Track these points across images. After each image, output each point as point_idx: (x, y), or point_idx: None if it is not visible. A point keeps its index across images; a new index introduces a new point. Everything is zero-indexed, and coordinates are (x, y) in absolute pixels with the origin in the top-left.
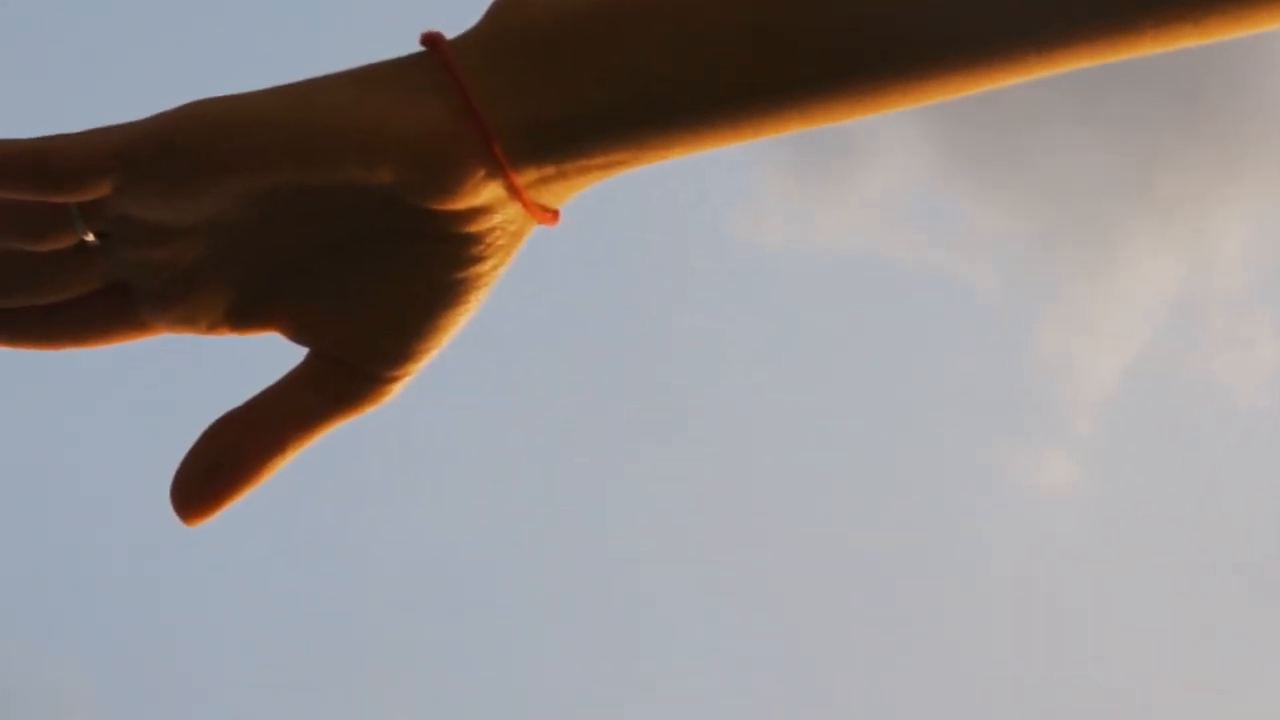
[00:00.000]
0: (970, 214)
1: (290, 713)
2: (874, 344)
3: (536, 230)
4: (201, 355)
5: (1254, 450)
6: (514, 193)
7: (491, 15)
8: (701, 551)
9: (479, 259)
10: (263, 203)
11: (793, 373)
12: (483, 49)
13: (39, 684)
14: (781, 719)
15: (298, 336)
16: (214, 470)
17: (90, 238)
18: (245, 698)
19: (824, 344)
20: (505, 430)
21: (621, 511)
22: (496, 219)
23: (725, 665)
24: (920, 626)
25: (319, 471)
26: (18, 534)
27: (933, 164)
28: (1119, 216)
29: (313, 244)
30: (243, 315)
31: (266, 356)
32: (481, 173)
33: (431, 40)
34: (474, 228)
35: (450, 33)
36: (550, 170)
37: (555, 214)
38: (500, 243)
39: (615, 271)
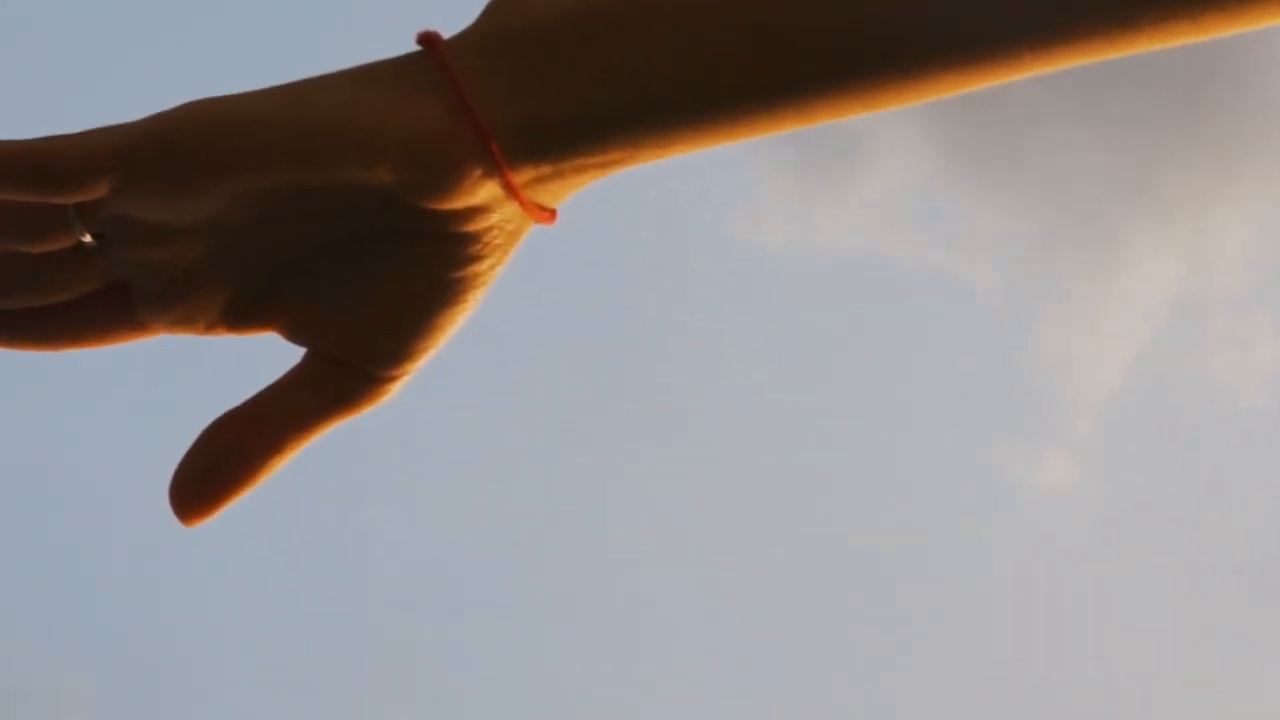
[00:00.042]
0: (971, 214)
1: (290, 713)
2: (874, 344)
3: (536, 229)
4: (200, 355)
5: (1254, 450)
6: (511, 192)
7: (489, 14)
8: (701, 551)
9: (477, 258)
10: (261, 203)
11: (793, 373)
12: (480, 48)
13: (39, 684)
14: (782, 719)
15: (296, 336)
16: (213, 470)
17: (88, 238)
18: (245, 698)
19: (824, 344)
20: (505, 430)
21: (621, 511)
22: (494, 218)
23: (725, 665)
24: (920, 626)
25: (318, 471)
26: (18, 534)
27: (933, 164)
28: (1119, 216)
29: (311, 244)
30: (241, 315)
31: (265, 356)
32: (479, 172)
33: (428, 40)
34: (472, 227)
35: (448, 32)
36: (547, 169)
37: (553, 213)
38: (498, 242)
39: (615, 271)
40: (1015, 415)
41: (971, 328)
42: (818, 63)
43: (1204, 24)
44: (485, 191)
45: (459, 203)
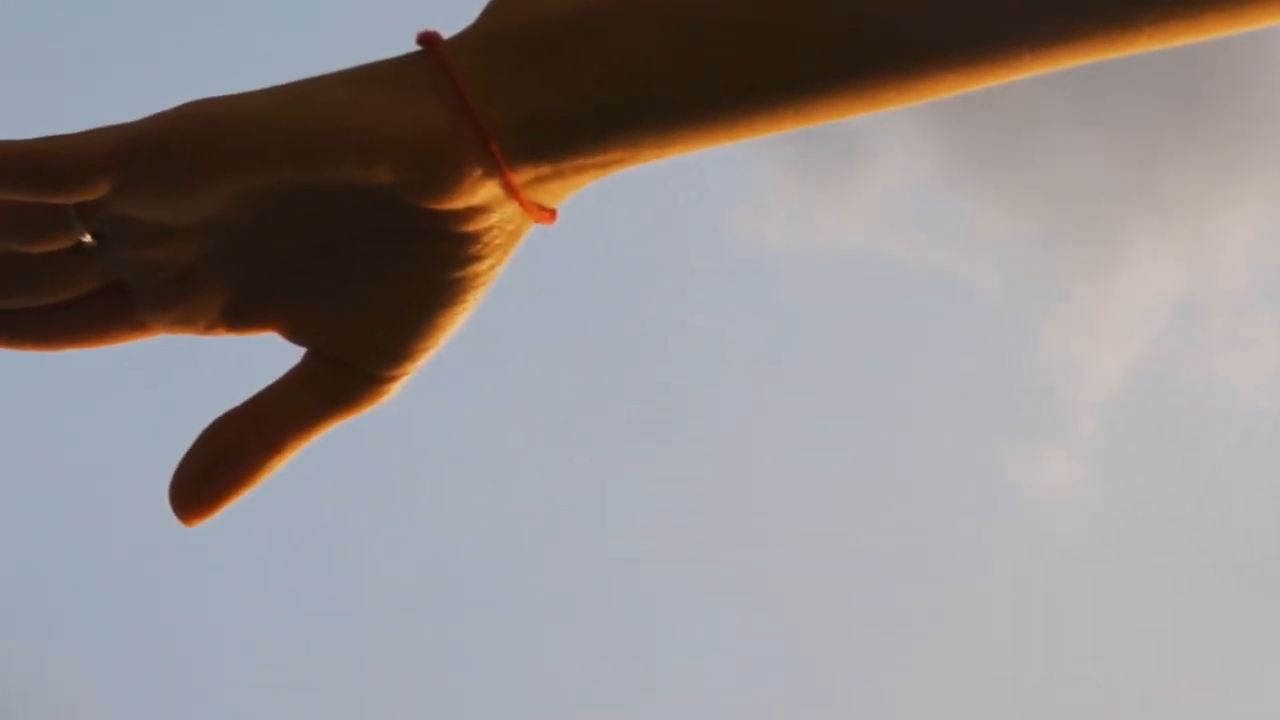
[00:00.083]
0: (971, 214)
1: (290, 713)
2: (875, 344)
3: (536, 230)
4: (200, 355)
5: (1256, 451)
6: (511, 192)
7: (489, 14)
8: (701, 552)
9: (476, 258)
10: (260, 203)
11: (794, 373)
12: (480, 47)
13: (39, 684)
14: (782, 719)
15: (295, 336)
16: (212, 470)
17: (87, 238)
18: (245, 698)
19: (825, 344)
20: (504, 430)
21: (622, 511)
22: (494, 218)
23: (726, 665)
24: (921, 627)
25: (318, 471)
26: (18, 534)
27: (934, 164)
28: (1121, 216)
29: (310, 244)
30: (240, 315)
31: (265, 356)
32: (478, 172)
33: (427, 39)
34: (471, 227)
35: (447, 32)
36: (547, 169)
37: (552, 213)
38: (498, 242)
39: (615, 271)
40: (1016, 415)
41: (972, 328)
42: (818, 63)
43: (1204, 24)
44: (485, 191)
45: (458, 202)
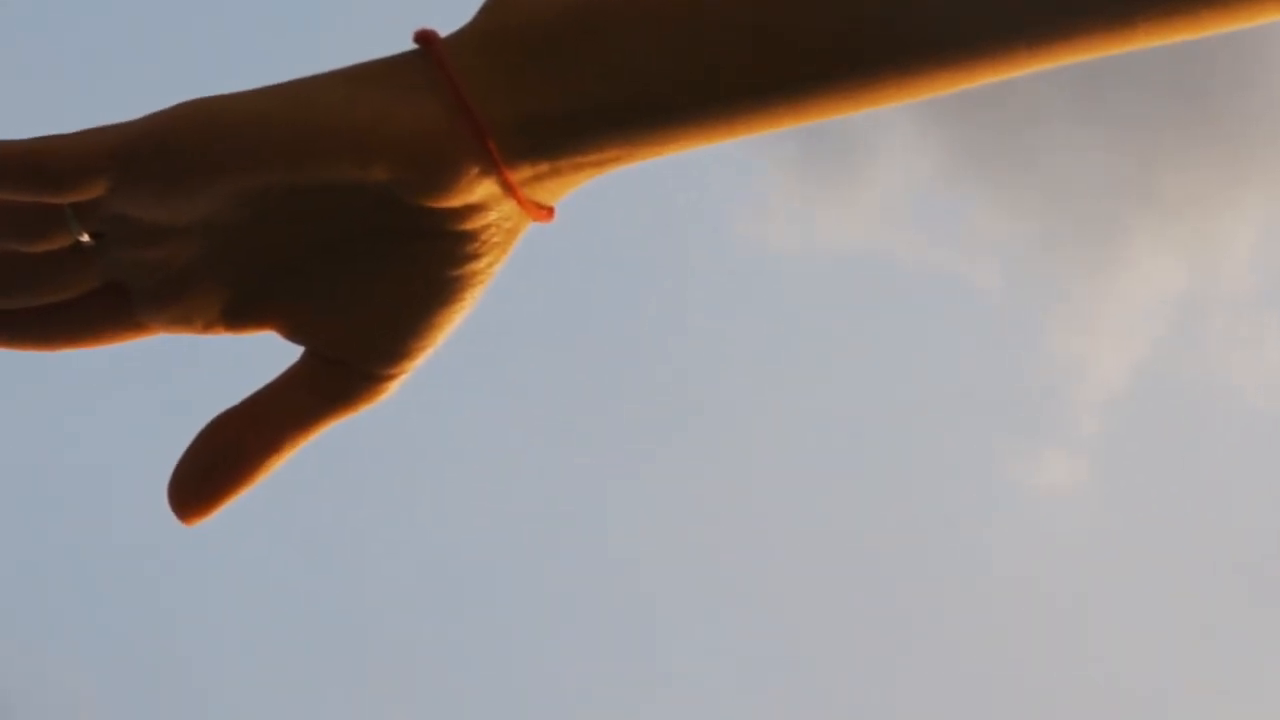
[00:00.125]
0: (973, 214)
1: (290, 713)
2: (877, 344)
3: (538, 228)
4: (199, 355)
5: (1257, 451)
6: (509, 190)
7: (487, 12)
8: (703, 551)
9: (474, 256)
10: (257, 202)
11: (795, 372)
12: (477, 46)
13: (39, 684)
14: (782, 719)
15: (293, 335)
16: (211, 470)
17: (85, 238)
18: (245, 698)
19: (827, 344)
20: (504, 430)
21: (622, 511)
22: (491, 216)
23: (726, 664)
24: (922, 626)
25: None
26: (18, 534)
27: (936, 164)
28: (1122, 216)
29: (308, 243)
30: (238, 315)
31: (264, 356)
32: (476, 170)
33: (425, 38)
34: (469, 225)
35: (445, 31)
36: (545, 167)
37: (550, 211)
38: (496, 240)
39: (616, 270)
40: (1017, 415)
41: (973, 327)
42: (818, 62)
43: (1201, 20)
44: (483, 189)
45: (456, 201)
